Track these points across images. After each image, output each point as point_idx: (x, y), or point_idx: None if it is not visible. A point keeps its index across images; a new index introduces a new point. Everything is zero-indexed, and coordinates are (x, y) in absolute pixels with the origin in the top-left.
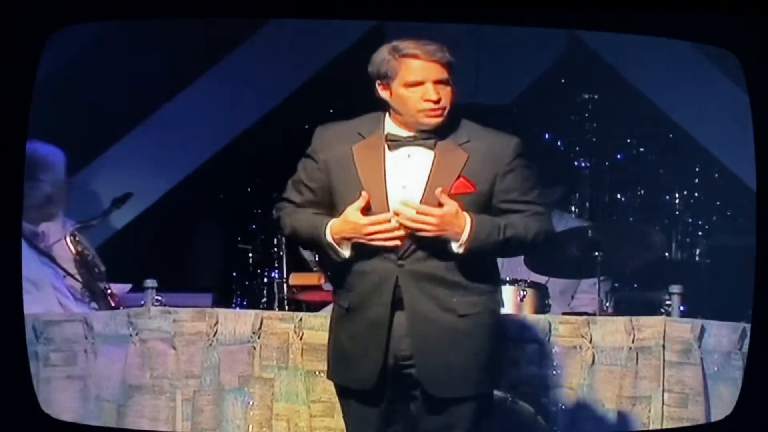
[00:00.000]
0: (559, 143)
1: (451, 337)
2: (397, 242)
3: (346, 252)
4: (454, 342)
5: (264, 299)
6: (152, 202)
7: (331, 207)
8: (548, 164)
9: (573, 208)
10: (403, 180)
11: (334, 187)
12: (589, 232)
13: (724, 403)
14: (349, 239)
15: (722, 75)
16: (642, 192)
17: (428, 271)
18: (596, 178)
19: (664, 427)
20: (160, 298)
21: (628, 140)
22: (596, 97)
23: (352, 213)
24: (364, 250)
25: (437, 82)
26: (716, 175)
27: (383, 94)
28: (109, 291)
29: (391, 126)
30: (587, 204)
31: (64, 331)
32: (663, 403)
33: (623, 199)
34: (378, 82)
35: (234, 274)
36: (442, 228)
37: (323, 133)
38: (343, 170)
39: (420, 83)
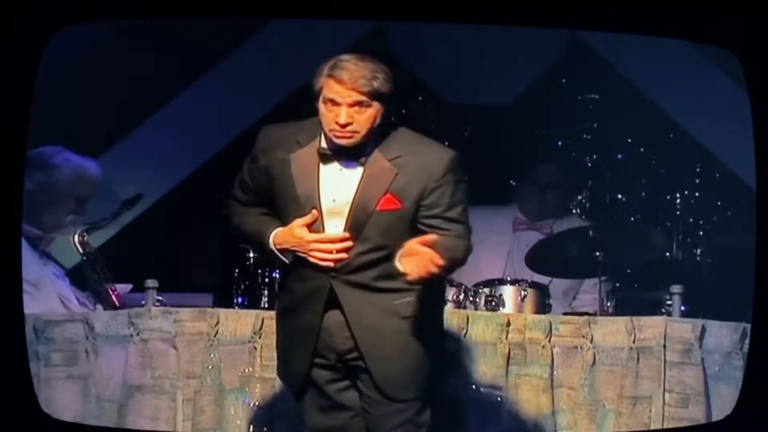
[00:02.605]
0: (559, 143)
1: (399, 341)
2: (330, 264)
3: (287, 258)
4: (402, 345)
5: (265, 299)
6: (153, 202)
7: (272, 207)
8: (549, 164)
9: (574, 209)
10: (333, 194)
11: (273, 191)
12: (590, 232)
13: (724, 403)
14: (290, 250)
15: (723, 75)
16: (643, 192)
17: (364, 281)
18: (597, 178)
19: (665, 427)
20: (161, 298)
21: (629, 140)
22: (597, 97)
23: (298, 228)
24: (296, 257)
25: (351, 105)
26: (717, 175)
27: (318, 109)
28: (115, 292)
29: (324, 140)
30: (588, 204)
31: (65, 331)
32: (664, 403)
33: (624, 199)
34: (314, 97)
35: (235, 274)
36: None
37: (266, 136)
38: (281, 177)
39: (335, 103)
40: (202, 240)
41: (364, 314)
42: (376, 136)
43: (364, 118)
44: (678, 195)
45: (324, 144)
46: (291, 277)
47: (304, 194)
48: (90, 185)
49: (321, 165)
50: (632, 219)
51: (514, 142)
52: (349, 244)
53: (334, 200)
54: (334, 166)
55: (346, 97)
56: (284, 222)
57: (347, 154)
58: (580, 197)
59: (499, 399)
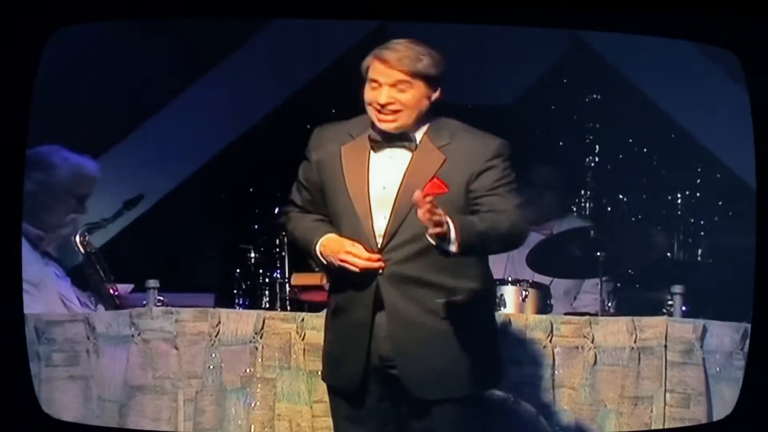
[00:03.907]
0: (561, 143)
1: (434, 340)
2: (356, 269)
3: (326, 263)
4: (437, 344)
5: (266, 299)
6: (153, 202)
7: (325, 207)
8: (550, 164)
9: (575, 209)
10: (383, 181)
11: (324, 186)
12: (592, 232)
13: (726, 404)
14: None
15: (723, 75)
16: (644, 192)
17: (410, 274)
18: (598, 178)
19: (666, 427)
20: (162, 298)
21: (630, 140)
22: (598, 97)
23: (346, 241)
24: None
25: (393, 85)
26: (718, 175)
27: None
28: (116, 293)
29: (375, 127)
30: (589, 204)
31: (67, 332)
32: (665, 404)
33: (625, 199)
34: (362, 81)
35: (236, 274)
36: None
37: (319, 134)
38: (331, 170)
39: (377, 83)
40: (203, 240)
41: (403, 309)
42: (422, 122)
43: (406, 98)
44: (679, 195)
45: (374, 131)
46: (339, 278)
47: (354, 183)
48: (89, 184)
49: (372, 153)
50: (633, 219)
51: (514, 142)
52: (379, 264)
53: (384, 188)
54: (385, 154)
55: (388, 77)
56: (336, 217)
57: (396, 141)
58: (580, 197)
59: (499, 399)
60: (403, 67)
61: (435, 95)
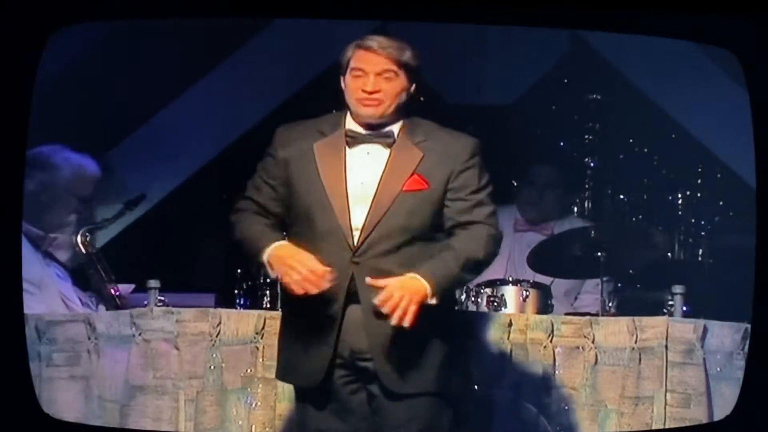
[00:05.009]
0: (561, 144)
1: (408, 334)
2: (298, 287)
3: (273, 273)
4: (411, 338)
5: (267, 299)
6: (154, 203)
7: (287, 207)
8: (550, 165)
9: (576, 209)
10: (361, 177)
11: (292, 183)
12: (592, 232)
13: (726, 404)
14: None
15: (723, 75)
16: (644, 192)
17: (385, 268)
18: (599, 178)
19: (667, 427)
20: (163, 298)
21: (630, 140)
22: (599, 97)
23: (303, 253)
24: (316, 245)
25: (379, 74)
26: (719, 175)
27: (342, 85)
28: (117, 293)
29: (350, 123)
30: (590, 204)
31: (67, 332)
32: (666, 404)
33: (626, 199)
34: (340, 73)
35: (237, 274)
36: (408, 294)
37: (285, 133)
38: (303, 167)
39: (362, 72)
40: (204, 240)
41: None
42: (399, 117)
43: (391, 87)
44: (680, 195)
45: (350, 126)
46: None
47: (331, 180)
48: (90, 184)
49: (347, 149)
50: (634, 219)
51: (515, 142)
52: (326, 280)
53: (362, 183)
54: (361, 150)
55: (374, 65)
56: (308, 214)
57: (374, 137)
58: (581, 198)
59: (500, 399)
60: (389, 56)
61: (412, 89)
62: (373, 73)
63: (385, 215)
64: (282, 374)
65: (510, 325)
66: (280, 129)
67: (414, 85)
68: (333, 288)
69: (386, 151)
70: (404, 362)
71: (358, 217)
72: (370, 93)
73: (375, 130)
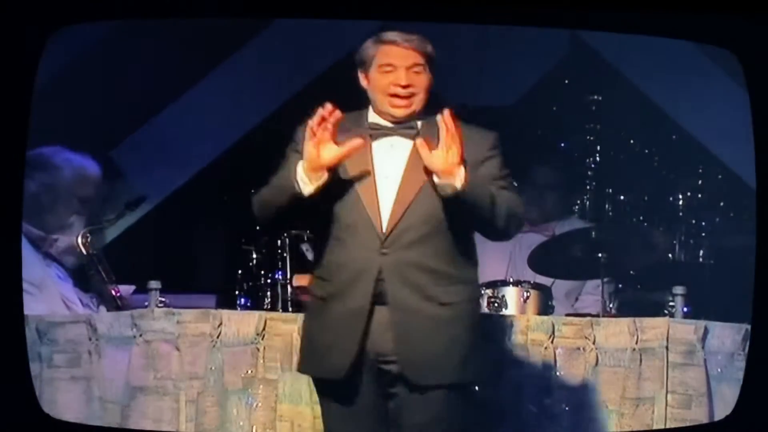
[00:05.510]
0: (562, 144)
1: (433, 326)
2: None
3: (307, 187)
4: (436, 330)
5: (268, 300)
6: (155, 203)
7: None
8: (551, 165)
9: (576, 210)
10: (386, 169)
11: None
12: (593, 233)
13: (727, 405)
14: (314, 168)
15: (723, 75)
16: (645, 193)
17: (412, 259)
18: (599, 179)
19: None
20: (163, 299)
21: (631, 141)
22: (599, 98)
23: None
24: (343, 239)
25: (410, 68)
26: (719, 176)
27: (363, 83)
28: (118, 294)
29: (373, 116)
30: (590, 205)
31: (68, 333)
32: (666, 405)
33: (626, 200)
34: (360, 70)
35: (238, 275)
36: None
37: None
38: None
39: (392, 67)
40: (205, 241)
41: (404, 297)
42: (424, 110)
43: (421, 81)
44: (680, 196)
45: (373, 119)
46: (330, 264)
47: (359, 173)
48: (91, 185)
49: (372, 142)
50: (634, 220)
51: (516, 143)
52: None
53: (387, 176)
54: (385, 143)
55: (405, 58)
56: (338, 208)
57: (399, 129)
58: (582, 198)
59: (500, 400)
60: (416, 48)
61: (432, 83)
62: (404, 67)
63: (410, 206)
64: (305, 366)
65: (511, 326)
66: (302, 127)
67: (434, 81)
68: (361, 283)
69: (409, 143)
70: (430, 357)
71: (385, 208)
72: (405, 87)
73: (400, 123)
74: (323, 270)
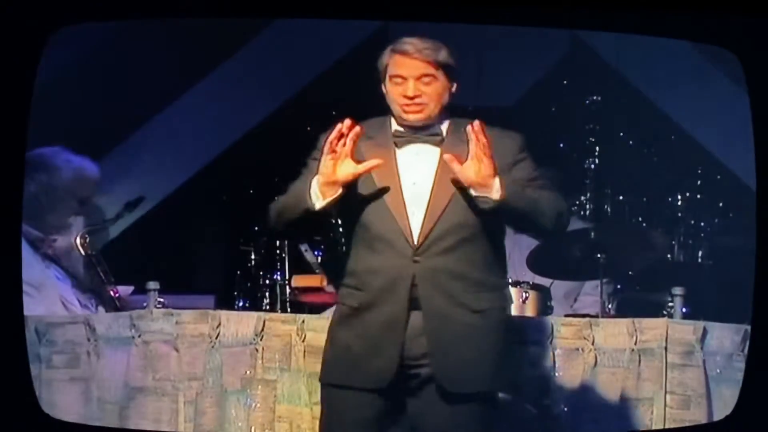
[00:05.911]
0: (561, 145)
1: (466, 334)
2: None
3: (320, 202)
4: (469, 338)
5: (266, 301)
6: (154, 204)
7: (337, 213)
8: (551, 166)
9: (576, 210)
10: (413, 177)
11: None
12: (592, 234)
13: (726, 405)
14: (329, 183)
15: (723, 75)
16: (644, 194)
17: (446, 266)
18: (598, 179)
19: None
20: (162, 300)
21: (631, 142)
22: (598, 98)
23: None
24: (374, 247)
25: (419, 78)
26: (718, 176)
27: (384, 90)
28: (116, 294)
29: (395, 125)
30: (590, 206)
31: (67, 333)
32: (665, 405)
33: (626, 200)
34: (380, 79)
35: (236, 276)
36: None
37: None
38: None
39: (402, 78)
40: (203, 242)
41: (438, 304)
42: (445, 116)
43: (432, 91)
44: (679, 196)
45: (396, 127)
46: (361, 273)
47: (384, 182)
48: (91, 186)
49: (396, 150)
50: (633, 221)
51: None
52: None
53: (414, 183)
54: (410, 150)
55: (413, 69)
56: (365, 218)
57: (423, 136)
58: (581, 199)
59: (501, 401)
60: (426, 58)
61: (454, 88)
62: (413, 78)
63: (443, 213)
64: (337, 376)
65: (510, 326)
66: (323, 136)
67: (455, 84)
68: (395, 290)
69: (436, 150)
70: (463, 365)
71: (415, 216)
72: (412, 98)
73: (423, 131)
74: (354, 279)
